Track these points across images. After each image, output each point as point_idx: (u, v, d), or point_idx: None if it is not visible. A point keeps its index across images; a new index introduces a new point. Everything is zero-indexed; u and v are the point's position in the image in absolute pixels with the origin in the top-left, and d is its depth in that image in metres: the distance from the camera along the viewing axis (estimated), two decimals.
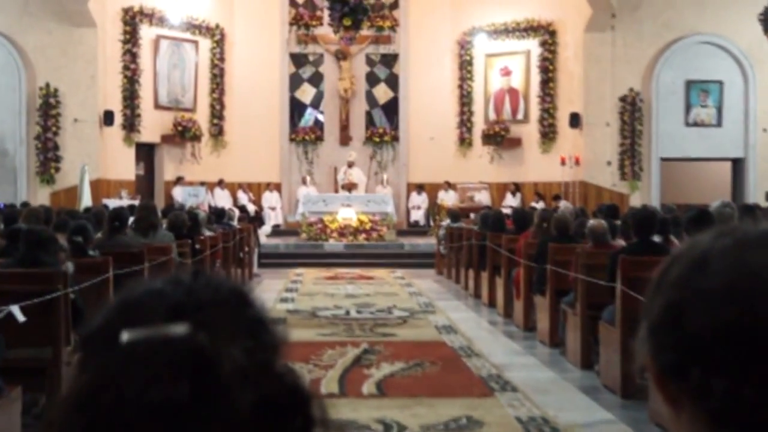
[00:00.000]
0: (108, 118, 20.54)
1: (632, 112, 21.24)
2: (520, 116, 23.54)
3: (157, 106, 22.51)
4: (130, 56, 21.57)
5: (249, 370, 0.85)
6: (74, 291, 5.55)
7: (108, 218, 8.03)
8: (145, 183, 22.61)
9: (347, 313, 11.44)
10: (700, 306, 0.86)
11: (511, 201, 22.82)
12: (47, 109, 20.04)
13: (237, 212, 17.82)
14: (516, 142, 23.34)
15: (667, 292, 0.90)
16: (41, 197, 19.54)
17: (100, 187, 20.04)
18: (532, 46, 23.11)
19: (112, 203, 16.58)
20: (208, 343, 0.84)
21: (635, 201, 20.13)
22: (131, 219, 9.17)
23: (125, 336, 0.86)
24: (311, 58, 25.07)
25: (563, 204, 19.08)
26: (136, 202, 14.11)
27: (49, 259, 5.39)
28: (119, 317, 0.88)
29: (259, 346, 0.89)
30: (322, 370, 7.68)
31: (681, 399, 0.90)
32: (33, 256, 5.40)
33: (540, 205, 19.15)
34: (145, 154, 22.72)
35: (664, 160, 21.35)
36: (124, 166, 21.42)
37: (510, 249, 10.86)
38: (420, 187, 24.34)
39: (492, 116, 23.80)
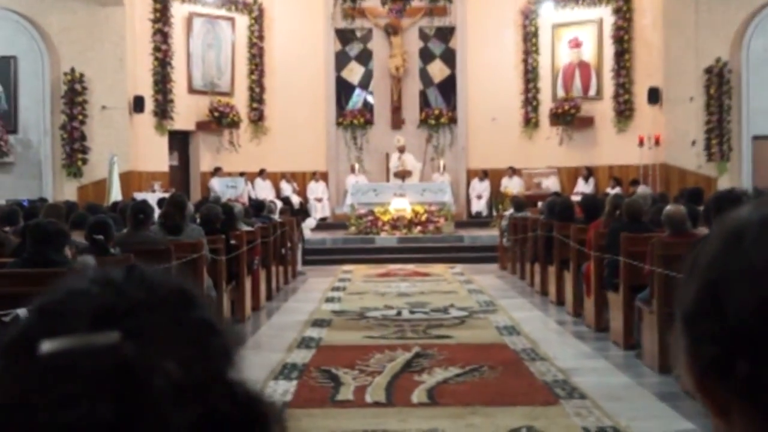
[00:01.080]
0: (138, 104, 20.76)
1: (719, 85, 20.84)
2: (592, 93, 23.28)
3: (191, 90, 22.70)
4: (161, 36, 21.76)
5: (189, 383, 0.81)
6: None
7: (131, 212, 8.08)
8: (180, 175, 22.82)
9: (399, 313, 11.41)
10: (740, 286, 0.82)
11: (583, 187, 22.57)
12: (72, 96, 20.33)
13: (278, 204, 17.86)
14: (588, 122, 23.08)
15: (701, 274, 0.86)
16: (68, 192, 19.85)
17: (130, 180, 20.28)
18: (605, 13, 22.82)
19: (144, 197, 16.71)
20: (137, 353, 0.80)
21: (724, 184, 19.74)
22: (158, 213, 9.21)
23: (44, 347, 0.81)
24: (359, 34, 25.05)
25: (641, 189, 18.81)
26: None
27: (58, 257, 5.43)
28: (39, 324, 0.84)
29: (204, 354, 0.84)
30: (368, 377, 7.64)
31: (731, 405, 0.84)
32: (41, 253, 5.44)
33: (616, 191, 18.89)
34: (179, 143, 22.92)
35: (756, 138, 20.90)
36: (156, 157, 21.65)
37: (579, 240, 10.73)
38: (483, 174, 24.19)
39: (560, 93, 23.57)
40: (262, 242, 12.66)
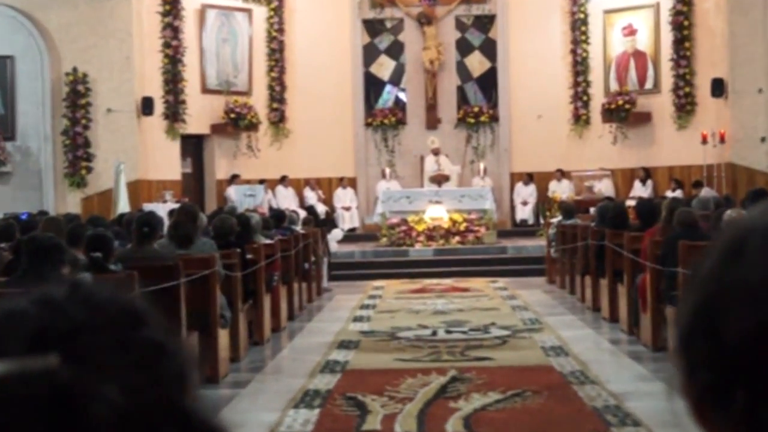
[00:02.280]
0: (147, 106, 20.91)
1: None
2: (648, 85, 23.16)
3: (205, 90, 22.85)
4: (171, 31, 21.91)
5: (134, 411, 0.81)
6: None
7: (136, 224, 8.13)
8: (193, 183, 22.95)
9: (434, 333, 11.40)
10: (737, 305, 0.79)
11: (640, 191, 22.43)
12: (75, 98, 20.53)
13: (301, 214, 17.90)
14: (645, 118, 22.96)
15: (698, 290, 0.84)
16: (71, 204, 20.05)
17: (139, 190, 20.43)
18: None
19: (155, 208, 16.79)
20: (76, 379, 0.80)
21: None
22: (166, 225, 9.27)
23: None
24: (389, 25, 25.09)
25: (705, 192, 18.66)
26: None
27: (54, 275, 5.48)
28: None
29: (152, 379, 0.84)
30: (399, 404, 7.64)
31: None
32: (36, 271, 5.49)
33: (676, 195, 18.76)
34: (193, 148, 23.06)
35: None
36: (167, 164, 21.79)
37: (634, 249, 10.66)
38: (528, 177, 24.13)
39: (614, 87, 23.46)
40: (283, 256, 12.69)
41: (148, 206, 18.10)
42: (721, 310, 0.80)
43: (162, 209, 15.94)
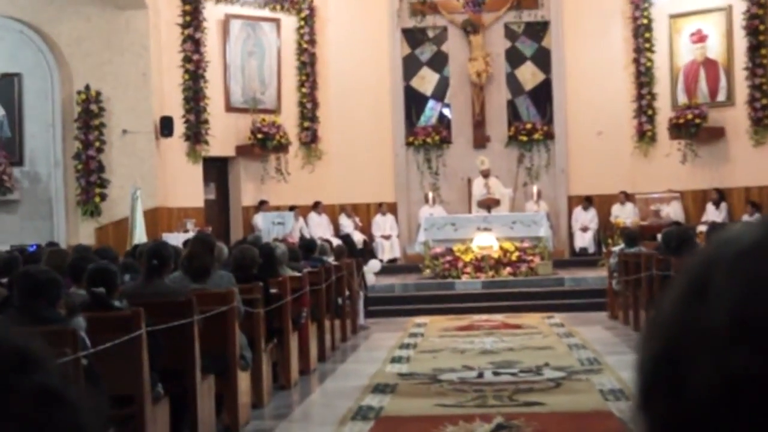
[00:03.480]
0: (166, 126, 21.02)
1: None
2: (721, 97, 22.99)
3: (230, 108, 22.95)
4: (192, 44, 22.04)
5: None
6: (88, 354, 5.60)
7: (146, 256, 8.13)
8: (217, 210, 23.03)
9: (480, 375, 11.36)
10: (700, 356, 0.73)
11: (713, 215, 22.22)
12: (88, 118, 20.69)
13: (333, 243, 17.89)
14: (717, 133, 22.78)
15: (659, 335, 0.78)
16: (83, 234, 20.15)
17: (158, 218, 20.53)
18: None
19: (175, 239, 16.86)
20: None
21: None
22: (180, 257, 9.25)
23: None
24: (431, 34, 25.12)
25: None
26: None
27: (50, 313, 5.46)
28: None
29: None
30: None
31: None
32: (30, 308, 5.47)
33: (753, 219, 18.55)
34: (217, 172, 23.15)
35: None
36: (189, 189, 21.87)
37: None
38: (588, 201, 23.99)
39: (682, 99, 23.31)
40: (312, 290, 12.66)
41: (167, 236, 18.17)
42: (683, 360, 0.75)
43: (182, 240, 15.99)
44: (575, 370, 11.50)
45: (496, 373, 11.41)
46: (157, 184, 20.80)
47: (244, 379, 9.04)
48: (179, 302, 7.72)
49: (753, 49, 22.23)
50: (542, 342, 14.19)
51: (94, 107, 20.70)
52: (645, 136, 23.86)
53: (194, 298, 7.85)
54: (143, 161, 20.78)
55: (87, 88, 20.70)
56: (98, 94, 20.72)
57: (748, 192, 22.33)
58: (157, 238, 18.14)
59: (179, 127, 21.61)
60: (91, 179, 20.66)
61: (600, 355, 12.65)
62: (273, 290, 10.64)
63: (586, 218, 24.10)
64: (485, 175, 22.31)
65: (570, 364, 12.00)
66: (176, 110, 21.66)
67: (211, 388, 8.27)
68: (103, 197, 20.67)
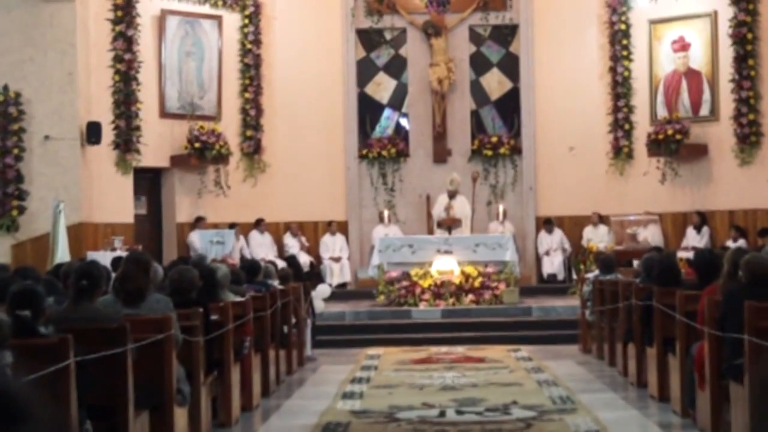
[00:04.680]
0: (93, 133, 20.83)
1: None
2: (704, 112, 23.16)
3: (164, 113, 22.81)
4: (124, 42, 21.90)
5: None
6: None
7: (73, 277, 7.99)
8: (149, 227, 22.87)
9: (442, 414, 11.27)
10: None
11: (694, 240, 22.38)
12: (5, 123, 20.46)
13: (279, 265, 17.78)
14: (700, 151, 22.93)
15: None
16: None
17: (83, 235, 20.34)
18: (721, 5, 22.74)
19: (101, 258, 16.69)
20: None
21: None
22: (112, 278, 9.12)
23: None
24: (388, 36, 25.15)
25: None
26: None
27: None
28: None
29: None
30: None
31: None
32: None
33: (738, 245, 18.65)
34: (149, 184, 22.99)
35: None
36: (117, 203, 21.69)
37: (688, 312, 10.54)
38: (549, 223, 24.08)
39: (662, 113, 23.45)
40: (256, 317, 12.55)
41: (92, 255, 17.98)
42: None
43: (109, 259, 15.81)
44: (547, 410, 11.44)
45: (459, 412, 11.33)
46: (82, 197, 20.59)
47: (181, 416, 8.92)
48: (111, 329, 7.60)
49: (740, 60, 22.41)
50: (509, 377, 14.11)
51: (12, 110, 20.47)
52: (621, 152, 23.97)
53: (127, 324, 7.73)
54: (67, 171, 20.57)
55: (5, 88, 20.48)
56: (18, 95, 20.49)
57: (732, 216, 22.49)
58: (82, 256, 17.96)
59: (108, 134, 21.43)
60: (8, 190, 20.42)
61: (573, 392, 12.61)
62: (213, 316, 10.51)
63: (554, 241, 24.17)
64: (451, 195, 22.21)
65: (541, 402, 11.95)
66: (105, 115, 21.48)
67: (144, 425, 8.15)
68: (21, 210, 20.42)
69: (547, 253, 24.11)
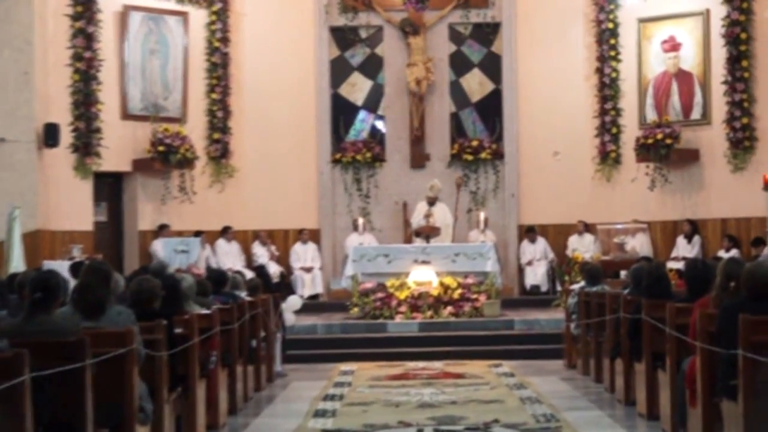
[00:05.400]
0: (51, 135, 20.77)
1: None
2: (696, 115, 23.23)
3: (126, 115, 22.75)
4: (84, 39, 21.84)
5: None
6: None
7: (29, 287, 7.93)
8: (110, 235, 22.80)
9: None
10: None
11: (684, 249, 22.46)
12: None
13: (248, 276, 17.75)
14: (691, 156, 22.99)
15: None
16: None
17: (39, 243, 20.28)
18: (713, 2, 22.82)
19: (59, 267, 16.63)
20: None
21: None
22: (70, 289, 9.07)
23: None
24: (364, 34, 25.17)
25: None
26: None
27: None
28: None
29: None
30: None
31: None
32: None
33: (731, 255, 18.71)
34: (109, 189, 22.92)
35: None
36: (76, 210, 21.63)
37: (679, 325, 10.55)
38: (532, 231, 24.11)
39: (651, 116, 23.51)
40: (223, 331, 12.50)
41: (49, 264, 17.91)
42: None
43: (67, 269, 15.75)
44: (530, 428, 11.45)
45: (437, 431, 11.33)
46: (38, 203, 20.54)
47: None
48: (69, 343, 7.52)
49: (733, 61, 22.48)
50: (490, 394, 14.07)
51: None
52: (608, 157, 24.02)
53: (87, 337, 7.67)
54: (22, 176, 20.49)
55: None
56: None
57: (724, 224, 22.56)
58: (38, 266, 17.89)
59: (66, 137, 21.38)
60: None
61: (557, 410, 12.60)
62: (178, 330, 10.46)
63: (537, 251, 24.20)
64: (431, 202, 22.22)
65: (523, 420, 11.94)
66: (63, 116, 21.42)
67: None
68: None
69: (530, 264, 24.14)
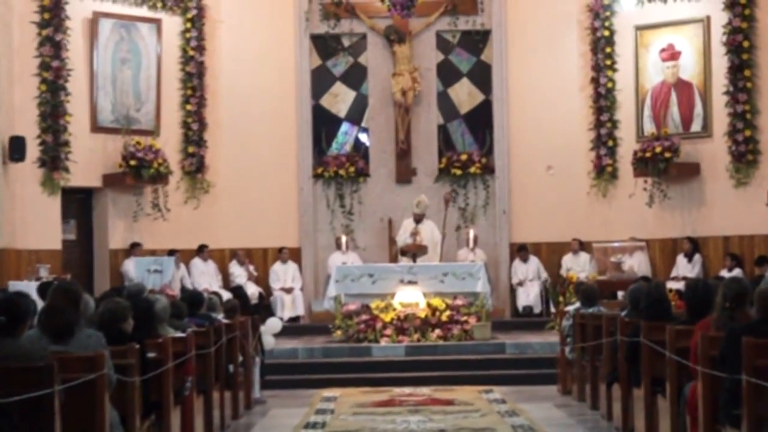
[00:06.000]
0: (16, 149, 20.73)
1: None
2: (696, 127, 23.27)
3: (96, 127, 22.72)
4: (52, 47, 21.81)
5: None
6: None
7: None
8: (79, 254, 22.76)
9: None
10: None
11: (685, 269, 22.50)
12: None
13: (223, 297, 17.72)
14: (691, 171, 23.03)
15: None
16: None
17: (4, 262, 20.24)
18: (713, 9, 22.89)
19: (25, 288, 16.62)
20: None
21: None
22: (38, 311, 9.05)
23: None
24: (347, 42, 25.22)
25: None
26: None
27: None
28: None
29: None
30: None
31: None
32: None
33: (733, 275, 18.76)
34: (79, 206, 22.90)
35: None
36: (43, 227, 21.59)
37: (680, 349, 10.57)
38: (524, 250, 24.12)
39: (649, 128, 23.55)
40: (198, 355, 12.49)
41: (15, 285, 17.90)
42: None
43: (34, 289, 15.70)
44: None
45: None
46: (3, 221, 20.49)
47: None
48: (36, 368, 7.52)
49: (735, 70, 22.52)
50: (480, 422, 14.08)
51: None
52: (604, 172, 24.05)
53: (55, 362, 7.66)
54: None
55: None
56: None
57: (726, 242, 22.58)
58: (3, 286, 17.87)
59: (33, 150, 21.34)
60: None
61: None
62: (151, 354, 10.45)
63: (530, 271, 24.22)
64: (418, 219, 22.22)
65: None
66: (30, 129, 21.38)
67: None
68: None
69: (522, 284, 24.13)
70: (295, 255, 24.44)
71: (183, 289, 20.58)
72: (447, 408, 15.41)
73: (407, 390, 17.22)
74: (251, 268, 24.02)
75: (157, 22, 23.62)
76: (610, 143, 24.02)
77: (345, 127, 25.25)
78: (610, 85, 24.00)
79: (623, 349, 12.83)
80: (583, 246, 23.69)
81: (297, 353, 19.87)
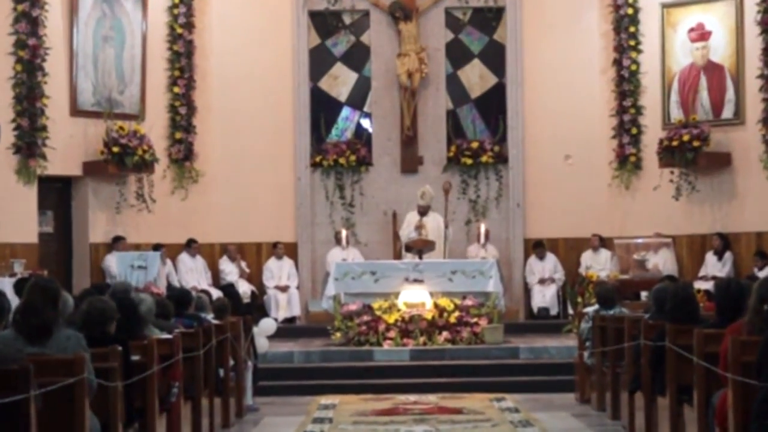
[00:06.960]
0: None
1: None
2: (727, 114, 23.29)
3: (77, 111, 22.72)
4: (28, 24, 21.80)
5: None
6: None
7: None
8: (56, 248, 22.77)
9: None
10: None
11: (714, 267, 22.50)
12: None
13: (213, 295, 17.75)
14: (722, 161, 23.05)
15: None
16: None
17: None
18: None
19: (0, 284, 16.71)
20: None
21: None
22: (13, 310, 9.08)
23: None
24: (348, 20, 25.24)
25: None
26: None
27: None
28: None
29: None
30: None
31: None
32: None
33: (766, 274, 18.79)
34: (57, 196, 22.92)
35: None
36: (18, 219, 21.60)
37: (709, 354, 10.58)
38: (540, 246, 24.12)
39: (676, 115, 23.56)
40: (186, 358, 12.51)
41: None
42: None
43: (8, 286, 15.75)
44: None
45: None
46: None
47: None
48: (10, 371, 7.53)
49: None
50: None
51: None
52: (627, 162, 24.07)
53: (31, 365, 7.68)
54: None
55: None
56: None
57: (759, 239, 22.54)
58: None
59: (7, 136, 21.36)
60: None
61: None
62: (135, 357, 10.48)
63: (546, 268, 24.23)
64: (423, 212, 22.23)
65: None
66: (4, 113, 21.41)
67: None
68: None
69: (539, 283, 24.14)
70: (291, 250, 24.46)
71: (169, 286, 20.62)
72: (455, 417, 15.42)
73: (412, 397, 17.21)
74: (243, 264, 24.05)
75: None
76: (634, 131, 24.03)
77: (346, 111, 25.28)
78: (633, 67, 24.01)
79: (647, 355, 12.83)
80: (604, 242, 23.70)
81: (293, 357, 19.91)
